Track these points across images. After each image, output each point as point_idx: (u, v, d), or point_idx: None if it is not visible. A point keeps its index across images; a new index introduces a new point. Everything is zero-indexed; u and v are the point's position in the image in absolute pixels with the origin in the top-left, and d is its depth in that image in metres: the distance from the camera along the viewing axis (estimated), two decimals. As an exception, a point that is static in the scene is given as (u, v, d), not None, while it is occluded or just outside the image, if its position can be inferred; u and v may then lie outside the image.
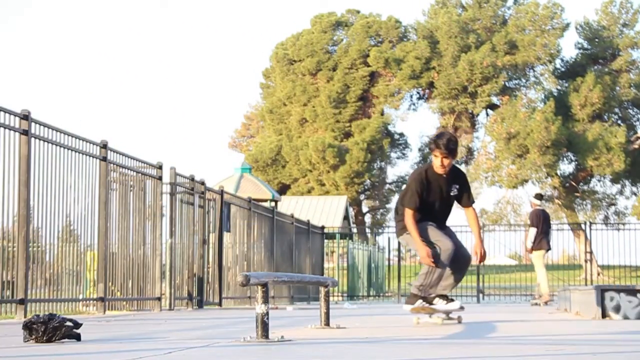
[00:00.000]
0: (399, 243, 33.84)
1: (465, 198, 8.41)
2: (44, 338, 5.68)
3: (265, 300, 5.86)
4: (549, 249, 17.55)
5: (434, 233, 8.22)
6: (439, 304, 8.32)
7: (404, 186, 58.66)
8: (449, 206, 8.44)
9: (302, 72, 55.52)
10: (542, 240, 17.26)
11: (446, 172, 8.21)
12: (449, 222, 8.51)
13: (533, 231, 17.28)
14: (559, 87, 54.35)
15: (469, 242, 24.71)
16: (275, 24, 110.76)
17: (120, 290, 12.65)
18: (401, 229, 8.37)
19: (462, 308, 8.44)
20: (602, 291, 10.13)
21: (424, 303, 8.29)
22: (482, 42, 53.17)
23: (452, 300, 8.40)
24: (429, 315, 8.40)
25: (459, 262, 8.27)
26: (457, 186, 8.32)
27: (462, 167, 53.93)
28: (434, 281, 8.21)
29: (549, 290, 17.56)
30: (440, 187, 8.23)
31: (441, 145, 8.06)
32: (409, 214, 8.17)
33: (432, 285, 8.25)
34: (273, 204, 28.86)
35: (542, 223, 17.27)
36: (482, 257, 8.39)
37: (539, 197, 18.22)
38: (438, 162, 8.12)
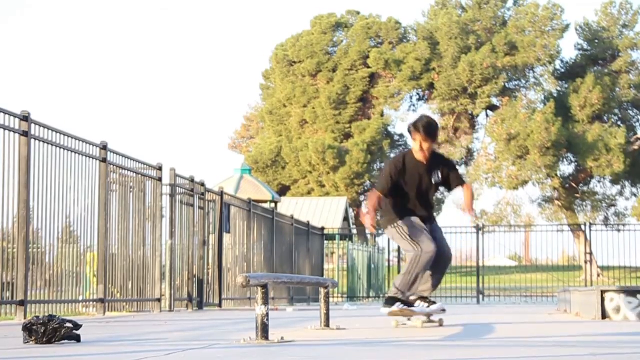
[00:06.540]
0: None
1: (454, 178, 7.91)
2: (44, 339, 5.67)
3: (265, 302, 5.85)
4: None
5: (416, 231, 7.74)
6: (420, 306, 7.83)
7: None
8: (431, 195, 7.92)
9: (302, 73, 55.50)
10: None
11: (426, 158, 7.72)
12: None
13: None
14: (558, 88, 54.33)
15: (463, 242, 24.76)
16: (275, 25, 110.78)
17: (120, 291, 12.64)
18: (386, 222, 7.93)
19: (443, 310, 8.01)
20: (602, 292, 10.13)
21: (403, 306, 7.78)
22: (482, 43, 53.16)
23: (433, 302, 7.92)
24: (407, 318, 7.93)
25: (439, 262, 7.79)
26: (440, 172, 7.81)
27: (462, 169, 53.88)
28: (412, 282, 7.73)
29: None
30: (420, 174, 7.75)
31: (420, 128, 7.61)
32: (375, 194, 7.78)
33: (410, 286, 7.77)
34: (273, 205, 28.84)
35: None
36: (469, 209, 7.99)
37: None
38: (417, 147, 7.66)
